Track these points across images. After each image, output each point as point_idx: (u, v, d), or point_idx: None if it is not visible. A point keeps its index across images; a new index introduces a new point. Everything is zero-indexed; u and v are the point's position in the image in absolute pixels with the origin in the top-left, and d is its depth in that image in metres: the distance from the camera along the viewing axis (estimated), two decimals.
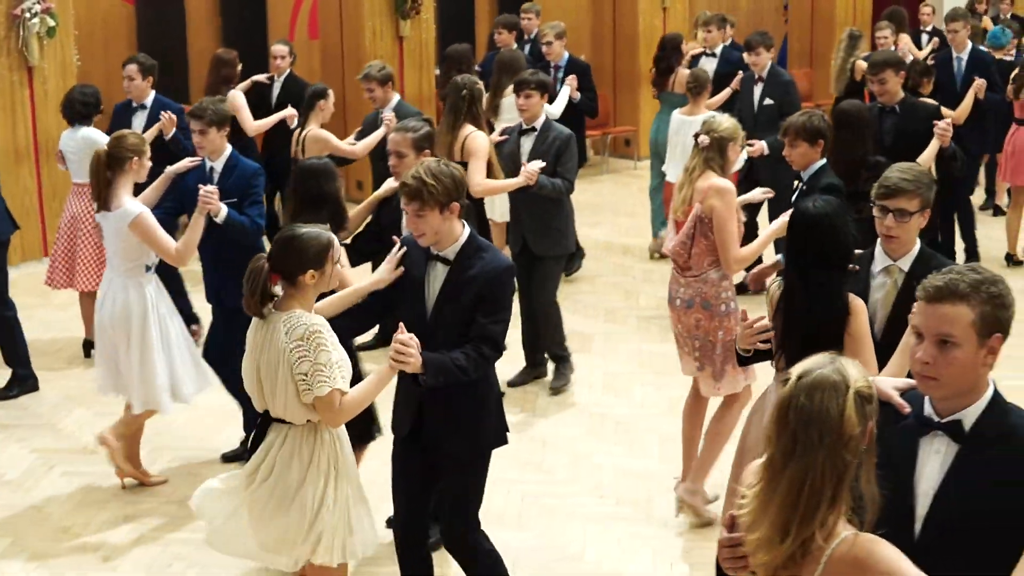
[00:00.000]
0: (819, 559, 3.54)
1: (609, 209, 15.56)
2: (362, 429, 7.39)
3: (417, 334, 5.97)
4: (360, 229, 8.34)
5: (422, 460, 6.45)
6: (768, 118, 12.25)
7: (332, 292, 6.34)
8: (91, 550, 7.85)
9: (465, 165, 9.49)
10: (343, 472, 6.03)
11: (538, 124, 10.03)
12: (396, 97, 11.23)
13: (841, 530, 3.56)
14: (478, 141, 9.65)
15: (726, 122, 8.10)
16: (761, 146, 11.45)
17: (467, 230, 6.30)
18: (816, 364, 3.61)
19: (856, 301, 5.96)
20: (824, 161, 8.20)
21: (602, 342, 11.42)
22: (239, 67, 13.35)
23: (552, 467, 8.92)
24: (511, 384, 10.36)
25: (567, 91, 13.03)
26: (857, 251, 6.28)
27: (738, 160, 8.57)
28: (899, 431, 4.01)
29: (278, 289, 5.87)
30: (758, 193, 8.63)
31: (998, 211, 15.77)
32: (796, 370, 3.63)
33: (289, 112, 12.66)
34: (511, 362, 10.48)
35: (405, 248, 6.41)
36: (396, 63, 16.22)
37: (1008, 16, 20.62)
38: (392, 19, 16.25)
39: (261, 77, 13.90)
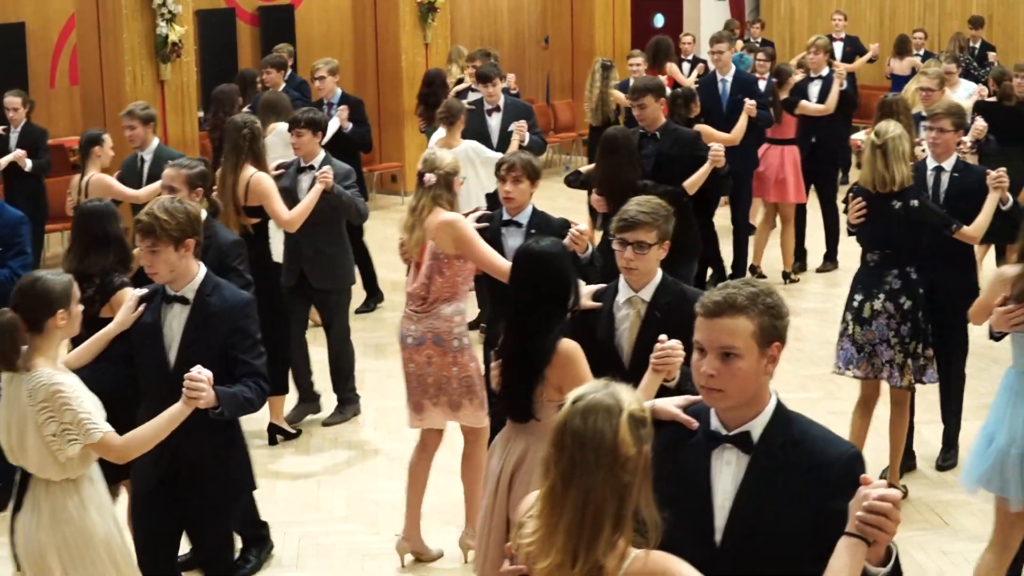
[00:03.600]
0: None
1: (375, 245, 15.58)
2: None
3: (159, 379, 6.00)
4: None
5: (174, 512, 6.38)
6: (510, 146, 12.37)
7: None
8: None
9: (248, 209, 9.65)
10: (110, 517, 6.04)
11: (316, 161, 10.10)
12: (156, 140, 11.16)
13: (632, 551, 3.62)
14: (264, 183, 9.67)
15: (447, 157, 8.06)
16: None
17: (203, 269, 6.27)
18: (590, 389, 3.69)
19: (570, 345, 6.05)
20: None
21: (372, 378, 11.50)
22: None
23: (328, 506, 9.01)
24: (289, 421, 10.40)
25: (336, 123, 13.03)
26: (601, 285, 6.44)
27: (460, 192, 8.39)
28: (689, 448, 4.09)
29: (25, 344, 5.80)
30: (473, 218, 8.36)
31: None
32: (571, 395, 3.69)
33: (17, 153, 12.57)
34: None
35: (146, 290, 6.35)
36: (158, 107, 16.08)
37: (759, 41, 21.28)
38: (152, 63, 16.12)
39: None
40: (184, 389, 5.75)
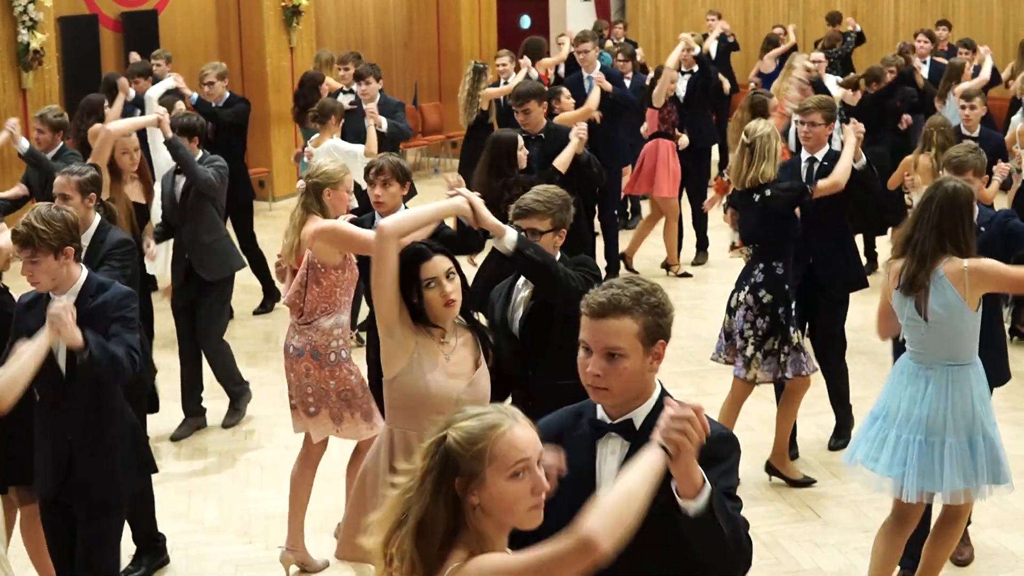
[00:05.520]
0: None
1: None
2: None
3: (52, 384, 5.96)
4: None
5: (70, 516, 6.36)
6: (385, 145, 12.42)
7: None
8: None
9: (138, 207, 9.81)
10: None
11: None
12: (61, 144, 11.22)
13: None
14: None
15: (326, 167, 8.02)
16: None
17: (85, 271, 6.28)
18: (485, 409, 3.68)
19: None
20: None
21: None
22: None
23: (199, 515, 8.94)
24: (175, 439, 10.26)
25: (170, 81, 13.52)
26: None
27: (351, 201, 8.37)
28: (575, 438, 4.15)
29: None
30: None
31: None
32: (458, 413, 3.67)
33: None
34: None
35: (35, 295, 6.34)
36: (20, 115, 15.85)
37: (623, 40, 21.42)
38: (14, 71, 15.94)
39: None
40: (48, 318, 5.76)
